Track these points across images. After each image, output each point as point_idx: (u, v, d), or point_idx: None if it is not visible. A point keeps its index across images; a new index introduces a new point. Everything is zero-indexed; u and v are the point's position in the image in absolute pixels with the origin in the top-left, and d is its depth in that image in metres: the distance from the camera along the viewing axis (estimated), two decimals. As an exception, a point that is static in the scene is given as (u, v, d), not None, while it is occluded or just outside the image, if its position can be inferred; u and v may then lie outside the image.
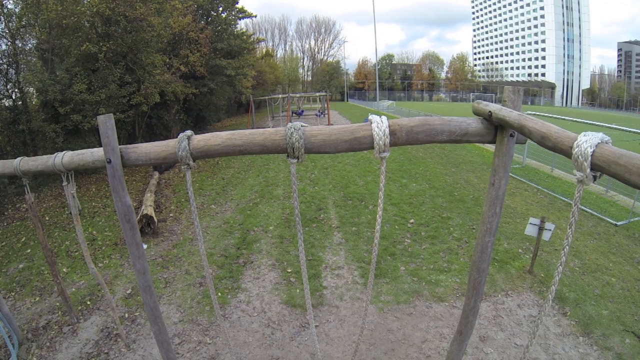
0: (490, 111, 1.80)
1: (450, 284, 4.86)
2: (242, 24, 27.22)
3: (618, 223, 6.96)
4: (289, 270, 5.28)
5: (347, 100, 64.05)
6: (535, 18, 74.33)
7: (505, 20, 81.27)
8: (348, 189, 8.90)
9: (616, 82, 78.67)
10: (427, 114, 29.44)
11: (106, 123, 2.06)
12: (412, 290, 4.73)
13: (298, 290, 4.75)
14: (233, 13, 20.47)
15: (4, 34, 9.47)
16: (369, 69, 76.28)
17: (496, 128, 1.87)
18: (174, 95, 13.92)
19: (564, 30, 72.07)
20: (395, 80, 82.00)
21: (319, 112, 28.54)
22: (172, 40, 14.90)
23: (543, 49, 73.73)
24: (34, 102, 10.46)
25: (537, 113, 9.26)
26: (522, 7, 76.86)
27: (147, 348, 3.79)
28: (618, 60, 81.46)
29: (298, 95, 31.88)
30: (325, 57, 75.39)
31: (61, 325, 4.19)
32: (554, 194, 8.67)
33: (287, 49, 74.40)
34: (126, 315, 4.35)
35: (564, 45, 72.61)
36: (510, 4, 79.36)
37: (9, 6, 9.46)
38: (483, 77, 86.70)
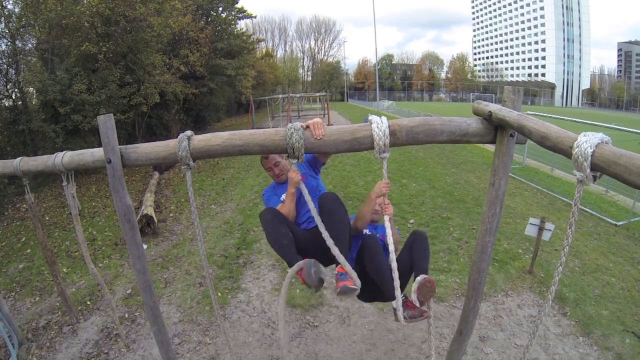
0: (490, 111, 1.80)
1: (450, 284, 4.86)
2: (242, 24, 27.12)
3: (618, 223, 6.96)
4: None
5: (347, 101, 63.95)
6: (535, 18, 74.24)
7: (505, 20, 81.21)
8: (348, 189, 8.90)
9: (616, 82, 78.59)
10: (427, 114, 29.40)
11: (106, 123, 2.06)
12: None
13: (298, 290, 4.74)
14: (233, 13, 20.45)
15: (4, 34, 9.47)
16: (369, 69, 76.19)
17: (496, 128, 1.87)
18: (173, 96, 13.91)
19: (564, 30, 72.00)
20: (395, 80, 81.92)
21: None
22: (172, 40, 14.87)
23: (543, 49, 73.67)
24: (34, 102, 10.45)
25: (537, 113, 9.25)
26: (522, 7, 76.75)
27: (147, 348, 3.79)
28: (618, 61, 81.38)
29: (298, 95, 31.81)
30: (325, 58, 75.30)
31: (61, 325, 4.19)
32: (554, 194, 8.67)
33: (287, 49, 74.29)
34: (126, 315, 4.35)
35: (564, 45, 72.54)
36: (510, 4, 79.27)
37: (9, 6, 9.47)
38: (483, 77, 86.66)
